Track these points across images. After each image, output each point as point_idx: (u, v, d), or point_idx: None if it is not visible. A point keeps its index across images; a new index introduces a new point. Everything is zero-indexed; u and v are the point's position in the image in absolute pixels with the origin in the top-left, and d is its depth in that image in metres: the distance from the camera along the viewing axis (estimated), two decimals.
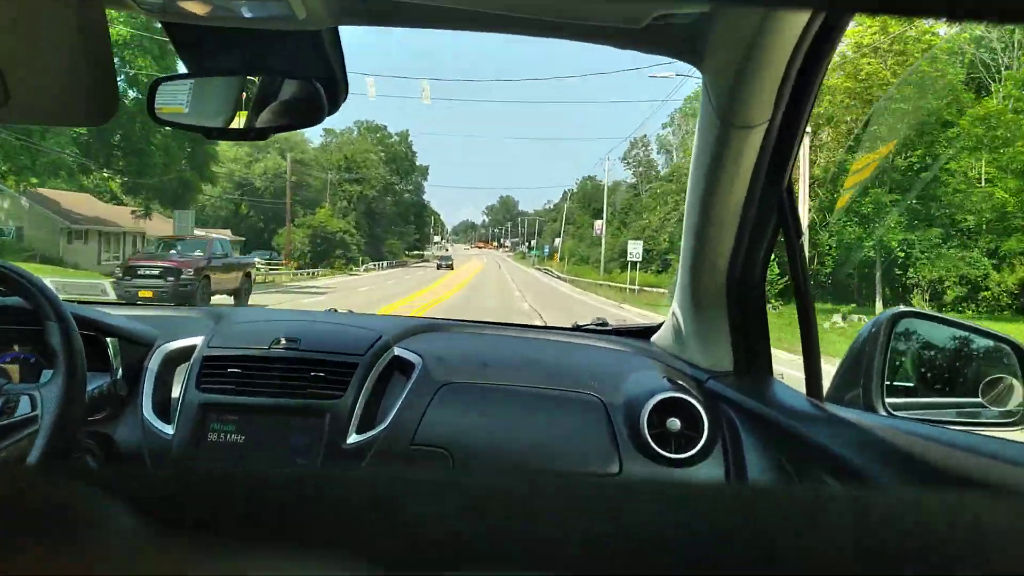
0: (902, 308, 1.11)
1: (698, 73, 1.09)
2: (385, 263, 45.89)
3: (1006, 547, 0.23)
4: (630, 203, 45.51)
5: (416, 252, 66.82)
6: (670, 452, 1.21)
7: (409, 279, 31.33)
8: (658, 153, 48.83)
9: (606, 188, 44.22)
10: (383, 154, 53.56)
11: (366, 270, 38.80)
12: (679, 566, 0.21)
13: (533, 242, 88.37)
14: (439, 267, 43.38)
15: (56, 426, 1.05)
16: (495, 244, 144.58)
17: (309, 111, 1.01)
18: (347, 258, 39.08)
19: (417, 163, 62.29)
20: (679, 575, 0.21)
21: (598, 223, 42.48)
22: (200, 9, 0.92)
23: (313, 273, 32.49)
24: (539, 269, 53.59)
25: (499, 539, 0.23)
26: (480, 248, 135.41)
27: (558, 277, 40.34)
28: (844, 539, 0.24)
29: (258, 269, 31.08)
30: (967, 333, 1.16)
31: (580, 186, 64.94)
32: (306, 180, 43.68)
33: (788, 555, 0.22)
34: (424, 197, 69.90)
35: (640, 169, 50.35)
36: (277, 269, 32.88)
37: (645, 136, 51.91)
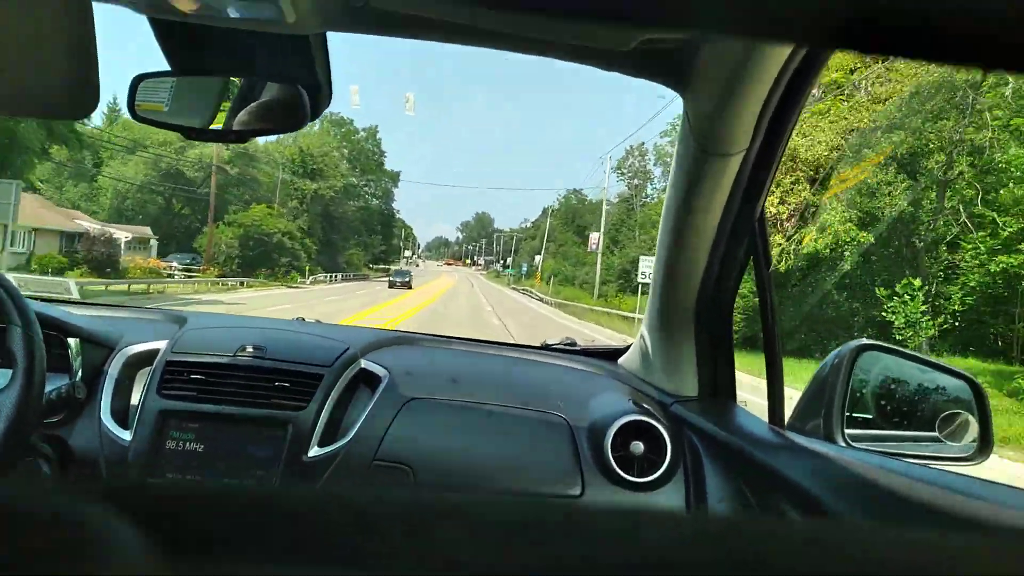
0: (864, 340, 1.29)
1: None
2: (340, 275, 43.97)
3: None
4: (622, 218, 45.40)
5: (382, 266, 65.55)
6: (633, 475, 1.36)
7: (363, 294, 29.45)
8: (655, 164, 49.11)
9: (605, 193, 42.43)
10: (347, 150, 52.74)
11: (313, 282, 36.87)
12: None
13: (508, 260, 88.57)
14: (391, 285, 38.21)
15: (9, 432, 1.13)
16: (467, 261, 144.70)
17: (291, 116, 1.13)
18: (291, 266, 36.85)
19: (387, 167, 62.11)
20: None
21: (594, 236, 39.45)
22: (187, 6, 1.05)
23: (243, 283, 29.88)
24: (517, 289, 52.36)
25: (469, 562, 0.24)
26: (451, 265, 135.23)
27: (540, 299, 38.36)
28: (803, 570, 0.26)
29: (170, 275, 28.18)
30: (927, 368, 1.35)
31: (563, 202, 65.24)
32: (251, 174, 42.01)
33: None
34: (394, 206, 69.27)
35: (635, 181, 50.68)
36: (193, 276, 29.63)
37: (643, 144, 52.26)
